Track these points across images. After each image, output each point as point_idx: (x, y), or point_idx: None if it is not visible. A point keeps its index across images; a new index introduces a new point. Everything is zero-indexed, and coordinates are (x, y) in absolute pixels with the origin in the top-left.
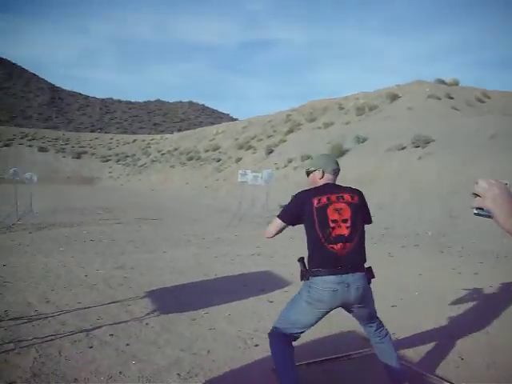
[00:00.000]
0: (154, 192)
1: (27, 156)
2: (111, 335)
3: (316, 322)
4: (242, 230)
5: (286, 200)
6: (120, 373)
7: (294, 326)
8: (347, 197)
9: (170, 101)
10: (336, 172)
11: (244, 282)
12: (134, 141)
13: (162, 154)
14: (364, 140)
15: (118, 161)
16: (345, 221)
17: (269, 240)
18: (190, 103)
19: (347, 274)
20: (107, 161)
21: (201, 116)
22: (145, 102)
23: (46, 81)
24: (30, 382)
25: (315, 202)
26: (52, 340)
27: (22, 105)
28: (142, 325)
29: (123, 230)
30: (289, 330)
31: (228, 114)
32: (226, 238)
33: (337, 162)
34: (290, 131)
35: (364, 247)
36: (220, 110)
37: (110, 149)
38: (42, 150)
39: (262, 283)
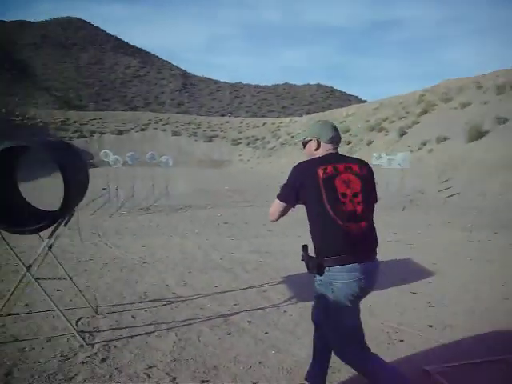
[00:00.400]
0: (284, 175)
1: (162, 140)
2: (249, 322)
3: (359, 314)
4: (376, 214)
5: (420, 184)
6: (259, 363)
7: (349, 334)
8: (355, 168)
9: (298, 84)
10: (335, 141)
11: (383, 270)
12: (264, 124)
13: (292, 137)
14: (505, 121)
15: (248, 144)
16: (355, 195)
17: (407, 225)
18: (318, 86)
19: (368, 260)
20: (237, 144)
21: (329, 98)
22: (273, 85)
23: (179, 67)
24: (170, 366)
25: (320, 172)
26: (190, 324)
27: (156, 91)
28: (279, 312)
29: (255, 212)
30: (351, 342)
31: (356, 96)
32: None
33: (335, 129)
34: (424, 112)
35: (375, 228)
36: (348, 92)
37: (240, 132)
38: (175, 134)
39: (403, 272)
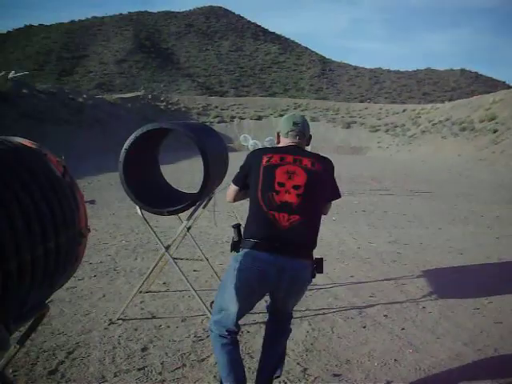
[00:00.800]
0: (424, 163)
1: None
2: (385, 316)
3: (247, 307)
4: None
5: None
6: (395, 360)
7: (225, 313)
8: (306, 162)
9: (440, 69)
10: (293, 135)
11: None
12: (404, 110)
13: (433, 125)
14: None
15: (387, 131)
16: (296, 187)
17: None
18: (462, 71)
19: (285, 256)
20: (376, 131)
21: (473, 84)
22: (414, 70)
23: (317, 53)
24: (302, 356)
25: (265, 159)
26: (324, 314)
27: (295, 77)
28: (418, 308)
29: (394, 201)
30: (223, 321)
31: (504, 82)
32: (508, 216)
33: (296, 124)
34: None
35: (317, 229)
36: (495, 77)
37: (379, 119)
38: (313, 119)
39: None
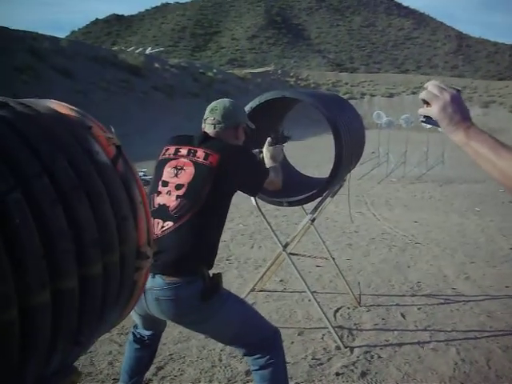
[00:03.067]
0: None
1: None
2: None
3: (142, 324)
4: None
5: None
6: None
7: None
8: (200, 153)
9: None
10: (209, 123)
11: None
12: None
13: None
14: None
15: None
16: (179, 187)
17: None
18: None
19: (155, 272)
20: None
21: None
22: None
23: (454, 28)
24: None
25: (163, 151)
26: (476, 338)
27: (429, 54)
28: None
29: None
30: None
31: None
32: None
33: (213, 110)
34: None
35: (206, 238)
36: None
37: None
38: None
39: None
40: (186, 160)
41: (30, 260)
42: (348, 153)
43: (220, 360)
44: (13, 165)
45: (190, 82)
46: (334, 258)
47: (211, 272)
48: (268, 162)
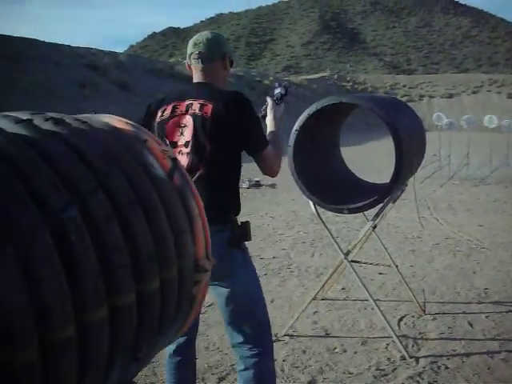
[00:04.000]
0: None
1: (496, 103)
2: None
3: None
4: None
5: None
6: None
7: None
8: (196, 105)
9: None
10: (195, 59)
11: None
12: None
13: None
14: None
15: None
16: (186, 144)
17: None
18: None
19: None
20: None
21: None
22: None
23: None
24: None
25: (159, 114)
26: None
27: (489, 51)
28: None
29: None
30: None
31: None
32: None
33: (197, 44)
34: None
35: (225, 188)
36: None
37: None
38: (511, 96)
39: None
40: (186, 116)
41: (86, 276)
42: (409, 157)
43: (282, 370)
44: (68, 181)
45: (247, 91)
46: (397, 266)
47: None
48: (270, 126)
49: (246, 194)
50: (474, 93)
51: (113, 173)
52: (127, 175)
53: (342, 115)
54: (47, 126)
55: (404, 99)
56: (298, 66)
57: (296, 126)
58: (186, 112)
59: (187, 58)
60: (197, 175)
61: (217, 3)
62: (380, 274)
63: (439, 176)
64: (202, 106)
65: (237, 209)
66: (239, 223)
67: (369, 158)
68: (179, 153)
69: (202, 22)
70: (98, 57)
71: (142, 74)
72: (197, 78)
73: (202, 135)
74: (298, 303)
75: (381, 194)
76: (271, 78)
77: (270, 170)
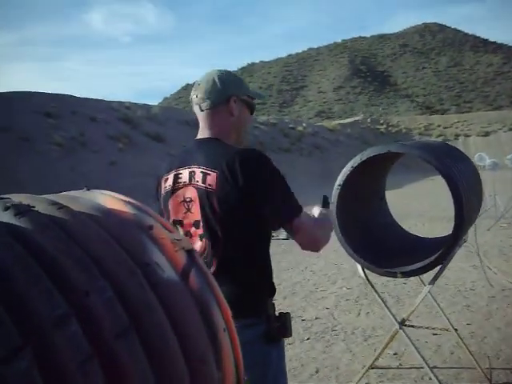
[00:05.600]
0: None
1: None
2: None
3: None
4: None
5: None
6: None
7: None
8: (198, 174)
9: None
10: (195, 103)
11: None
12: None
13: None
14: None
15: None
16: (197, 225)
17: None
18: None
19: None
20: None
21: None
22: None
23: None
24: None
25: (163, 185)
26: None
27: None
28: None
29: None
30: None
31: None
32: None
33: (197, 84)
34: None
35: (252, 269)
36: None
37: None
38: None
39: None
40: (190, 187)
41: None
42: (469, 210)
43: None
44: (23, 315)
45: (281, 138)
46: (456, 329)
47: (276, 309)
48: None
49: (283, 246)
50: (510, 130)
51: (94, 289)
52: (117, 288)
53: (388, 164)
54: (5, 217)
55: (439, 139)
56: (330, 111)
57: (339, 180)
58: (190, 183)
59: (192, 103)
60: (218, 261)
61: (249, 53)
62: (434, 334)
63: (486, 219)
64: (204, 176)
65: (270, 290)
66: (277, 314)
67: (409, 201)
68: (187, 234)
69: (234, 71)
70: (132, 110)
71: (176, 125)
72: (200, 129)
73: (210, 213)
74: (347, 373)
75: (439, 255)
76: (304, 125)
77: (308, 245)
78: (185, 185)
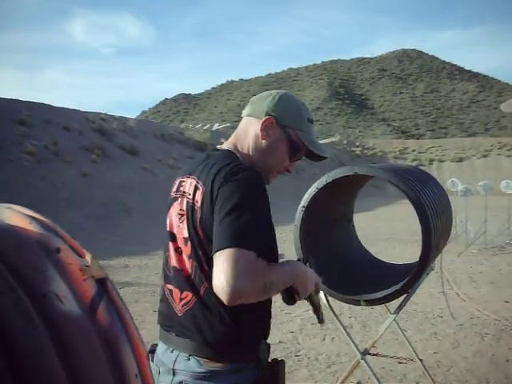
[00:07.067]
0: None
1: (506, 166)
2: None
3: None
4: None
5: None
6: None
7: None
8: (191, 187)
9: None
10: (243, 111)
11: None
12: None
13: None
14: None
15: None
16: (186, 241)
17: None
18: None
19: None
20: None
21: None
22: None
23: None
24: None
25: (172, 188)
26: None
27: (497, 115)
28: None
29: None
30: None
31: None
32: None
33: (263, 97)
34: None
35: (241, 307)
36: None
37: None
38: None
39: None
40: (185, 199)
41: None
42: (437, 237)
43: None
44: None
45: None
46: (421, 360)
47: (269, 354)
48: (284, 272)
49: None
50: (484, 156)
51: None
52: (4, 324)
53: (357, 186)
54: None
55: (414, 163)
56: None
57: (303, 201)
58: (185, 194)
59: None
60: (204, 288)
61: (229, 70)
62: (400, 363)
63: (456, 245)
64: (195, 190)
65: (263, 330)
66: (269, 360)
67: (380, 224)
68: (176, 250)
69: (213, 88)
70: (107, 121)
71: (151, 138)
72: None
73: (194, 233)
74: None
75: (405, 284)
76: None
77: (220, 285)
78: (182, 195)
